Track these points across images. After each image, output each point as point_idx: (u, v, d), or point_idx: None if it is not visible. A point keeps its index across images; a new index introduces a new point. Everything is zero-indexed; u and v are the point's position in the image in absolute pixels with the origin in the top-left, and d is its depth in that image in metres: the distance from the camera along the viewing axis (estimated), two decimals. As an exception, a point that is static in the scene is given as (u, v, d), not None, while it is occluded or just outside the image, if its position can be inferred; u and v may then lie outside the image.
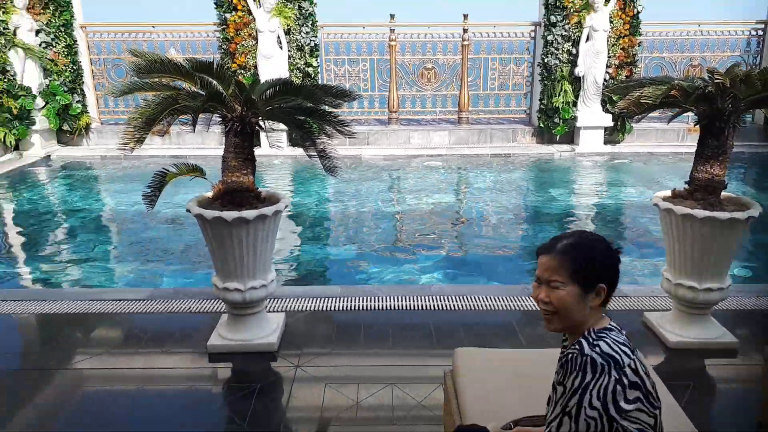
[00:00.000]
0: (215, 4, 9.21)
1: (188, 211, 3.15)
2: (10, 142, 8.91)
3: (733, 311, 3.81)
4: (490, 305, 3.89)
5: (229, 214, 3.03)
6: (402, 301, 3.91)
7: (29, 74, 9.14)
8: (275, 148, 8.20)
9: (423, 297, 3.98)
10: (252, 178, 3.25)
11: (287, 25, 9.07)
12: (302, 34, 9.20)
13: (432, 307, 3.86)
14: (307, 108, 3.30)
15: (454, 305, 3.88)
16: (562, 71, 9.39)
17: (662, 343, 3.41)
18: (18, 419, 2.79)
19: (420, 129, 10.04)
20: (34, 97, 9.12)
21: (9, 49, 8.87)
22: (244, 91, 3.13)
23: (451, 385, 2.41)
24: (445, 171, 8.81)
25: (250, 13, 9.01)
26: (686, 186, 3.39)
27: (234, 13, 9.10)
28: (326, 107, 3.34)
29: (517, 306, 3.89)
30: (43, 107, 9.28)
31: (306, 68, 9.32)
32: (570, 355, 1.52)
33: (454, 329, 3.62)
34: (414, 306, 3.87)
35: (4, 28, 8.80)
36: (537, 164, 9.15)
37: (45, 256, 5.73)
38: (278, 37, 9.01)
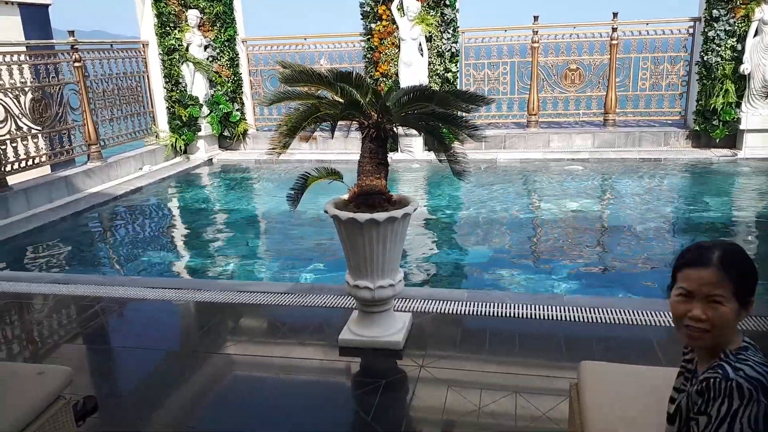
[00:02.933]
0: (361, 15, 9.61)
1: (326, 212, 3.34)
2: (180, 146, 10.01)
3: None
4: (627, 319, 3.69)
5: (362, 216, 3.18)
6: (531, 309, 3.83)
7: (197, 85, 10.18)
8: (407, 153, 8.43)
9: (554, 306, 3.86)
10: (384, 181, 3.37)
11: (429, 32, 9.23)
12: (443, 40, 9.31)
13: (563, 318, 3.74)
14: (439, 114, 3.36)
15: (587, 317, 3.73)
16: (723, 69, 8.58)
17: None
18: (171, 395, 3.14)
19: (561, 132, 9.70)
20: (201, 106, 10.14)
21: (182, 64, 9.95)
22: (379, 99, 3.26)
23: (576, 398, 2.33)
24: (587, 176, 8.44)
25: (394, 22, 9.29)
26: None
27: (379, 22, 9.44)
28: (458, 112, 3.37)
29: (658, 321, 3.64)
30: (208, 115, 10.28)
31: (445, 74, 9.41)
32: (712, 380, 1.40)
33: (586, 341, 3.48)
34: (543, 315, 3.77)
35: (179, 45, 9.89)
36: (691, 170, 8.45)
37: (202, 248, 6.38)
38: (419, 44, 9.19)
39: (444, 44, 9.32)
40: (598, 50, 9.69)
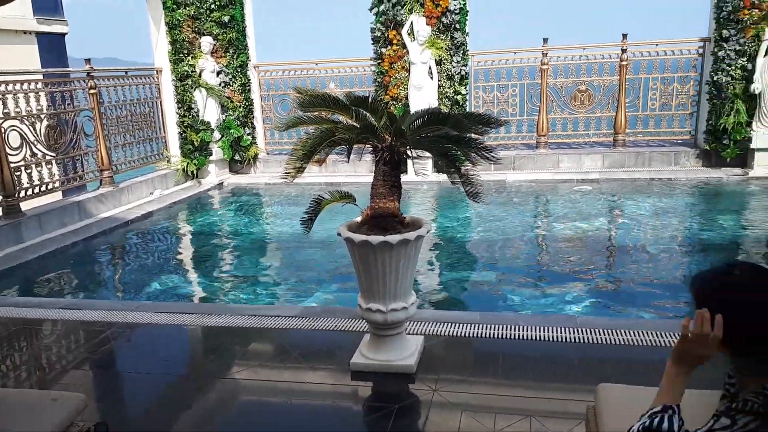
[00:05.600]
0: (372, 40, 9.72)
1: (339, 234, 3.34)
2: (191, 171, 10.09)
3: None
4: (642, 340, 3.63)
5: (375, 238, 3.17)
6: (544, 331, 3.78)
7: (209, 111, 10.30)
8: (420, 176, 8.45)
9: (567, 328, 3.81)
10: (397, 204, 3.38)
11: (439, 56, 9.31)
12: (453, 63, 9.39)
13: (576, 339, 3.69)
14: (453, 136, 3.36)
15: (601, 338, 3.68)
16: (734, 89, 8.57)
17: None
18: (181, 421, 3.12)
19: (570, 152, 9.70)
20: (213, 131, 10.26)
21: (195, 89, 10.09)
22: (394, 123, 3.27)
23: (594, 421, 2.29)
24: (597, 196, 8.41)
25: (404, 46, 9.39)
26: None
27: (389, 47, 9.55)
28: (472, 135, 3.38)
29: (672, 342, 3.57)
30: (219, 140, 10.38)
31: (455, 96, 9.47)
32: (750, 403, 1.38)
33: (601, 364, 3.44)
34: (557, 337, 3.72)
35: (192, 71, 10.04)
36: (702, 189, 8.40)
37: (213, 272, 6.38)
38: (429, 68, 9.27)
39: (454, 67, 9.39)
40: (608, 71, 9.73)
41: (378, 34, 9.59)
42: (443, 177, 3.50)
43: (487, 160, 3.35)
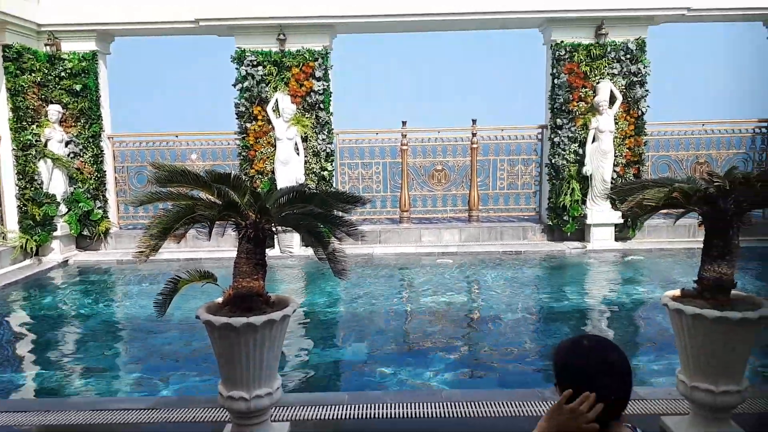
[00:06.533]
0: (236, 114, 9.71)
1: (197, 317, 3.16)
2: (31, 248, 9.15)
3: (755, 414, 3.64)
4: (501, 411, 3.77)
5: (238, 320, 3.04)
6: (411, 408, 3.80)
7: (55, 182, 9.53)
8: (286, 252, 8.40)
9: (432, 404, 3.85)
10: (262, 282, 3.28)
11: (305, 133, 9.49)
12: (319, 140, 9.61)
13: (441, 414, 3.74)
14: (319, 214, 3.39)
15: (464, 412, 3.76)
16: (569, 171, 9.61)
17: (684, 451, 3.24)
18: None
19: (431, 227, 10.18)
20: (58, 204, 9.45)
21: (39, 160, 9.32)
22: (258, 200, 3.23)
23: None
24: (456, 268, 8.81)
25: (269, 122, 9.48)
26: (695, 285, 3.36)
27: (254, 122, 9.58)
28: (337, 212, 3.43)
29: (529, 411, 3.75)
30: (66, 214, 9.59)
31: (321, 172, 9.65)
32: None
33: (466, 438, 3.49)
34: (423, 413, 3.75)
35: (36, 141, 9.29)
36: (548, 261, 9.15)
37: (53, 364, 5.68)
38: (296, 144, 9.40)
39: (319, 144, 9.61)
40: (461, 153, 10.49)
41: (242, 109, 9.62)
42: (311, 251, 3.49)
43: (352, 237, 3.42)
